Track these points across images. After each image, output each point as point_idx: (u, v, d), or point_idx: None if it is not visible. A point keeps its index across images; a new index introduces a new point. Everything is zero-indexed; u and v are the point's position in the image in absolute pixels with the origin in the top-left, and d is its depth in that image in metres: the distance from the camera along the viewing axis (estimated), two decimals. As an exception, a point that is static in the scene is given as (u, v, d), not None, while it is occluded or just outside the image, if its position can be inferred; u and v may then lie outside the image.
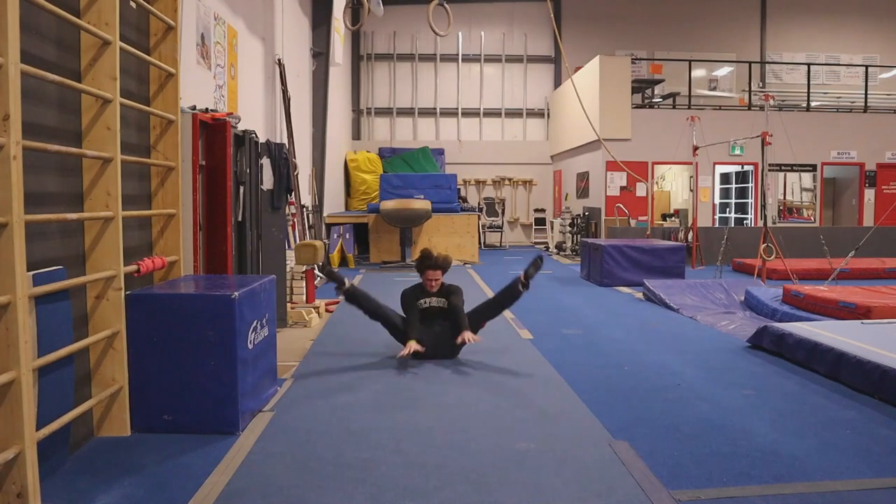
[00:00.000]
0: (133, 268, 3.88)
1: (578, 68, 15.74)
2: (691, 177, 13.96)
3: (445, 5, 8.87)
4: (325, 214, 13.22)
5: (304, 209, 11.35)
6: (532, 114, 19.32)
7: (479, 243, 15.74)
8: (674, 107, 15.81)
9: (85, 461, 3.39)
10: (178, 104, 4.49)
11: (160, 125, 4.42)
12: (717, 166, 15.05)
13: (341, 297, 5.58)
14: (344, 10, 12.29)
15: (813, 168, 15.26)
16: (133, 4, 4.13)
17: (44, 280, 3.04)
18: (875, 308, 6.24)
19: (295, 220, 10.34)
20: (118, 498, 2.98)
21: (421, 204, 12.69)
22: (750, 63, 16.84)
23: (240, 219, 5.65)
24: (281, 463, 3.36)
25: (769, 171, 10.83)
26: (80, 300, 3.57)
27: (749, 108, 15.38)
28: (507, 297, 5.61)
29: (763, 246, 9.51)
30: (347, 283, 5.47)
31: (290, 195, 7.39)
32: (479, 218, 15.63)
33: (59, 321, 3.20)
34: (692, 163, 12.79)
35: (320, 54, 13.11)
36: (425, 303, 5.44)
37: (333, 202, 14.91)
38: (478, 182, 18.97)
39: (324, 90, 13.27)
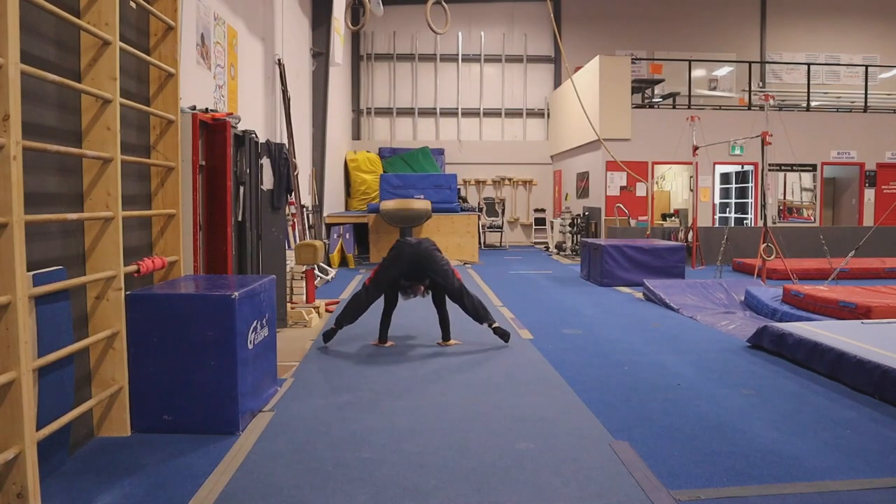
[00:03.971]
0: (133, 268, 3.88)
1: (578, 68, 15.74)
2: (691, 177, 13.96)
3: (443, 4, 8.87)
4: (325, 214, 13.22)
5: (304, 209, 11.36)
6: (532, 114, 19.32)
7: (479, 243, 15.74)
8: (674, 107, 15.81)
9: (85, 461, 3.39)
10: (178, 104, 4.49)
11: (160, 125, 4.42)
12: (717, 166, 15.05)
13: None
14: (344, 11, 12.30)
15: (813, 168, 15.26)
16: (133, 4, 4.13)
17: (44, 280, 3.04)
18: (875, 308, 6.24)
19: (295, 220, 10.34)
20: (118, 498, 2.98)
21: (421, 204, 12.70)
22: (750, 63, 16.84)
23: (240, 219, 5.65)
24: (281, 463, 3.37)
25: (769, 170, 10.83)
26: (80, 300, 3.57)
27: (749, 108, 15.38)
28: (472, 315, 5.89)
29: (763, 246, 9.51)
30: (334, 332, 5.84)
31: (290, 195, 7.39)
32: (479, 218, 15.63)
33: (59, 321, 3.20)
34: (692, 163, 12.79)
35: (320, 54, 13.11)
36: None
37: (333, 202, 14.91)
38: (478, 182, 18.97)
39: (324, 90, 13.27)
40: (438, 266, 5.72)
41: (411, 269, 5.70)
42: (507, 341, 5.81)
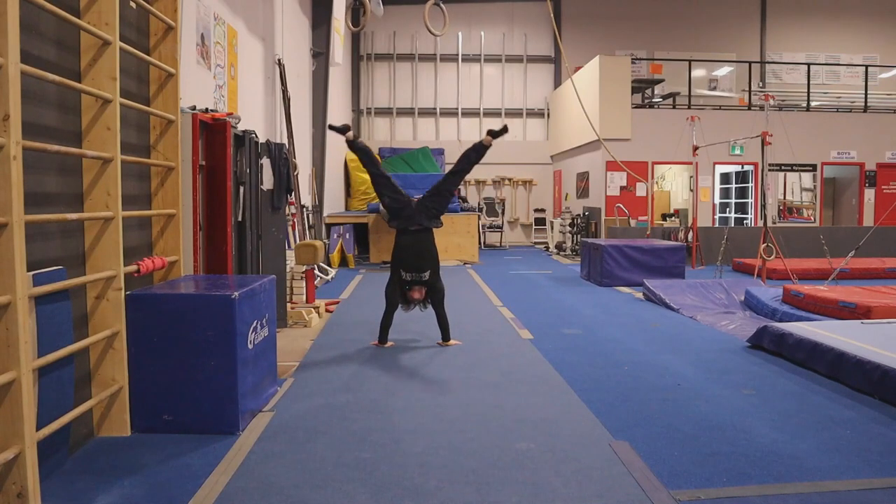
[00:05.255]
0: (133, 268, 3.88)
1: (578, 68, 15.74)
2: (691, 177, 13.96)
3: (441, 5, 8.88)
4: (325, 214, 13.21)
5: (304, 209, 11.36)
6: (532, 114, 19.32)
7: (479, 243, 15.75)
8: (674, 107, 15.81)
9: (85, 461, 3.39)
10: (178, 104, 4.49)
11: (160, 125, 4.42)
12: (717, 166, 15.05)
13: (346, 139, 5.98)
14: (345, 11, 12.30)
15: (813, 168, 15.27)
16: (133, 4, 4.13)
17: (44, 280, 3.04)
18: (875, 308, 6.24)
19: (295, 220, 10.34)
20: (118, 498, 2.98)
21: (421, 204, 12.69)
22: (750, 63, 16.84)
23: (240, 219, 5.65)
24: (281, 463, 3.37)
25: (769, 171, 10.83)
26: (80, 300, 3.57)
27: (749, 108, 15.38)
28: (473, 152, 5.99)
29: (763, 246, 9.51)
30: (351, 135, 5.95)
31: (290, 195, 7.39)
32: (479, 218, 15.63)
33: (59, 321, 3.20)
34: (692, 163, 12.79)
35: (320, 54, 13.11)
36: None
37: (333, 202, 14.91)
38: (478, 182, 18.97)
39: (324, 90, 13.27)
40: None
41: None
42: (501, 133, 5.92)
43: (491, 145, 5.95)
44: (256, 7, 9.60)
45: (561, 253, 15.59)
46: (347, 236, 13.11)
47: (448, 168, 18.25)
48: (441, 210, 5.93)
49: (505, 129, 6.02)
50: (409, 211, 5.83)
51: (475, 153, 5.95)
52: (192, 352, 3.74)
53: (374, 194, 15.70)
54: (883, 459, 3.41)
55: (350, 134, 5.96)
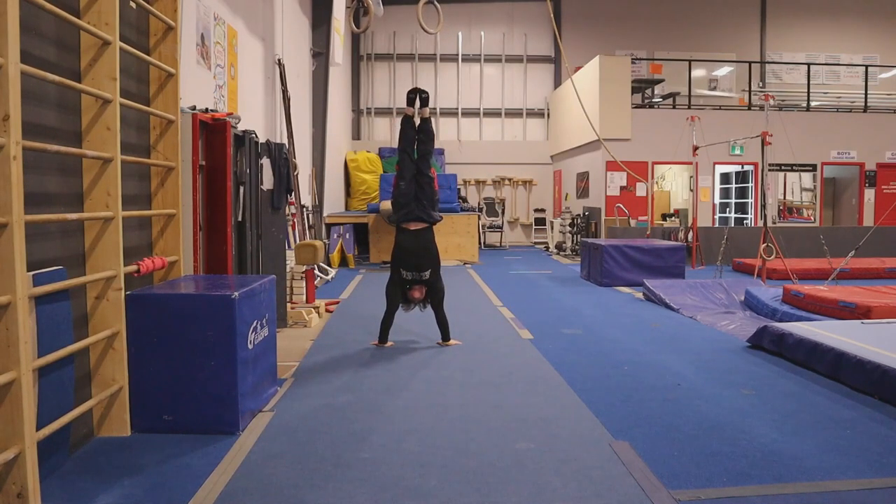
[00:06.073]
0: (133, 268, 3.88)
1: (578, 68, 15.74)
2: (691, 177, 13.96)
3: (435, 3, 8.89)
4: (325, 214, 13.21)
5: (304, 209, 11.36)
6: (532, 114, 19.32)
7: (479, 243, 15.74)
8: (674, 107, 15.80)
9: (85, 461, 3.39)
10: (178, 104, 4.49)
11: (160, 125, 4.42)
12: (717, 166, 15.05)
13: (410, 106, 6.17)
14: (345, 12, 12.30)
15: (813, 168, 15.27)
16: (133, 4, 4.13)
17: (44, 280, 3.04)
18: (875, 308, 6.24)
19: (295, 220, 10.34)
20: (118, 498, 2.98)
21: (421, 204, 12.67)
22: (750, 63, 16.84)
23: (240, 219, 5.65)
24: (281, 463, 3.37)
25: (769, 170, 10.83)
26: (80, 300, 3.57)
27: (749, 108, 15.38)
28: (421, 132, 6.17)
29: (763, 246, 9.51)
30: (416, 111, 6.17)
31: (290, 195, 7.39)
32: (479, 218, 15.63)
33: (59, 321, 3.20)
34: (692, 163, 12.79)
35: (320, 54, 13.11)
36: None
37: (333, 202, 14.91)
38: (478, 182, 18.96)
39: (324, 90, 13.27)
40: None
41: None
42: (424, 101, 6.20)
43: (429, 114, 6.19)
44: (256, 7, 9.60)
45: (561, 253, 15.59)
46: (347, 236, 13.11)
47: (447, 167, 18.30)
48: (431, 198, 5.94)
49: (422, 92, 6.18)
50: (410, 206, 5.90)
51: (423, 133, 6.12)
52: (192, 352, 3.74)
53: (374, 194, 15.82)
54: (883, 459, 3.41)
55: (411, 110, 6.18)
